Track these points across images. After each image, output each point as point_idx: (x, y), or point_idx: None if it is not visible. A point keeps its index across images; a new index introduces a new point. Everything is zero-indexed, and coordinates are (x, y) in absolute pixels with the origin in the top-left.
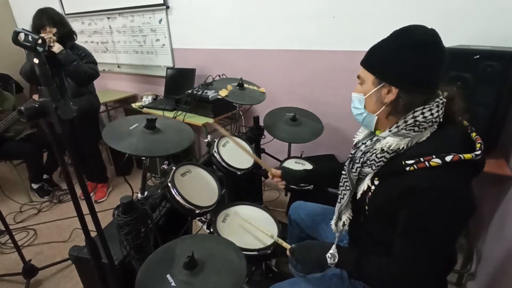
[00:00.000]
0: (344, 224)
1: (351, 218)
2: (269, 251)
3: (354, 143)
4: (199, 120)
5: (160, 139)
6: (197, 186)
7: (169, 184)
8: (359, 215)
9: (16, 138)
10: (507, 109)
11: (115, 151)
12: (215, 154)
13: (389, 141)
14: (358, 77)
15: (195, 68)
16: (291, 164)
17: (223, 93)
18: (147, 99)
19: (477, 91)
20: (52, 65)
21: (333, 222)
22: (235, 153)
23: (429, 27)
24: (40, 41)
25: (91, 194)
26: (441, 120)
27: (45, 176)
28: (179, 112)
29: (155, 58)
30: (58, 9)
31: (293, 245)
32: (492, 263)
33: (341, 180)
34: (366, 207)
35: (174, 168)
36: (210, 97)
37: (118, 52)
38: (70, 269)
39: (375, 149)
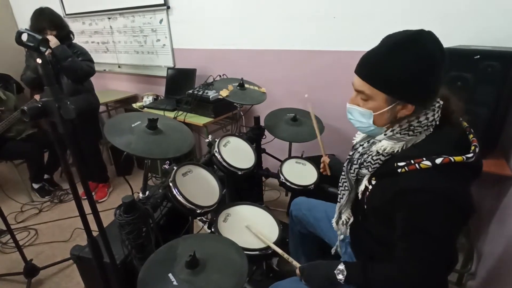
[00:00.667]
0: (344, 223)
1: (350, 217)
2: (270, 251)
3: (352, 145)
4: (200, 120)
5: (161, 141)
6: (198, 186)
7: (171, 184)
8: (358, 215)
9: (17, 138)
10: (507, 109)
11: (115, 151)
12: (216, 154)
13: (384, 144)
14: (359, 91)
15: (195, 68)
16: (292, 164)
17: (224, 93)
18: (147, 99)
19: (477, 91)
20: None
21: (334, 221)
22: (236, 153)
23: (430, 27)
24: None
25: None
26: (437, 123)
27: (46, 176)
28: (180, 112)
29: (156, 58)
30: (59, 9)
31: (302, 265)
32: (492, 263)
33: (340, 181)
34: (365, 207)
35: (175, 168)
36: (211, 97)
37: (119, 52)
38: (71, 268)
39: (371, 151)
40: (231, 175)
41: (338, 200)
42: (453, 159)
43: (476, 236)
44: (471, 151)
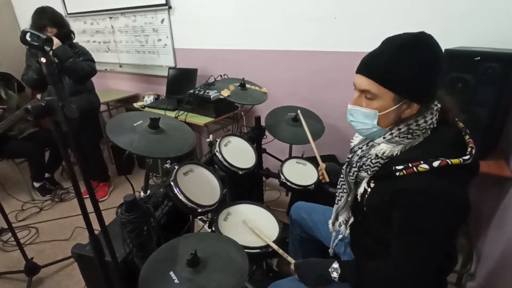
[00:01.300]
0: (340, 225)
1: (348, 219)
2: (270, 249)
3: (350, 148)
4: (201, 120)
5: (162, 140)
6: (199, 185)
7: (172, 183)
8: (358, 216)
9: (19, 137)
10: (507, 111)
11: (116, 150)
12: (217, 154)
13: (383, 147)
14: (364, 91)
15: (197, 68)
16: (293, 164)
17: (225, 93)
18: (149, 99)
19: (477, 92)
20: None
21: (330, 222)
22: (237, 153)
23: (430, 28)
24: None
25: None
26: (435, 125)
27: (46, 175)
28: (181, 112)
29: (157, 58)
30: (61, 8)
31: (296, 261)
32: (491, 264)
33: (338, 183)
34: (364, 209)
35: (176, 167)
36: (212, 97)
37: (120, 51)
38: (72, 267)
39: (370, 154)
40: (231, 175)
41: (336, 202)
42: (450, 161)
43: (476, 237)
44: (467, 152)
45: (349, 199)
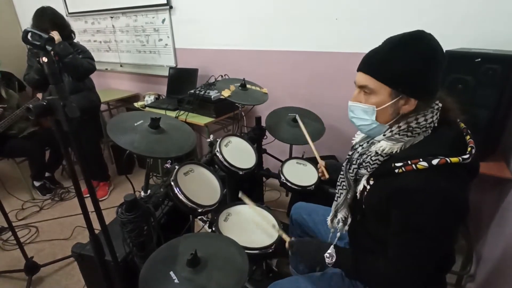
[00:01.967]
0: (339, 222)
1: (347, 216)
2: (270, 250)
3: (352, 146)
4: (201, 120)
5: (163, 140)
6: (199, 185)
7: (172, 183)
8: (357, 214)
9: (19, 136)
10: (508, 112)
11: (116, 150)
12: (217, 154)
13: (383, 145)
14: (362, 86)
15: (197, 68)
16: (293, 165)
17: (226, 93)
18: (149, 99)
19: (478, 94)
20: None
21: (329, 219)
22: (237, 153)
23: (431, 29)
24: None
25: None
26: (436, 124)
27: (47, 174)
28: (182, 112)
29: (158, 57)
30: (62, 8)
31: (292, 239)
32: (491, 265)
33: (338, 180)
34: (363, 206)
35: (177, 167)
36: (212, 97)
37: (121, 51)
38: (71, 266)
39: (370, 151)
40: (232, 175)
41: (335, 199)
42: (450, 160)
43: (476, 238)
44: (467, 152)
45: (348, 197)
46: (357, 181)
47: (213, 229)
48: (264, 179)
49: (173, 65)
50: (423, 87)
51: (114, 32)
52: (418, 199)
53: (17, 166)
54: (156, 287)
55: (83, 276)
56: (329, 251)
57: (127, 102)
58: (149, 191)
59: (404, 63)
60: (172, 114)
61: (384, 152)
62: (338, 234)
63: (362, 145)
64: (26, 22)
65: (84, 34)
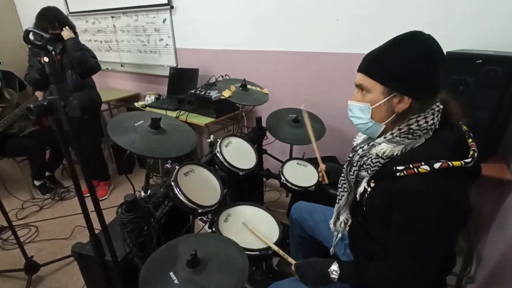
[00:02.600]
0: (342, 224)
1: (349, 218)
2: (270, 251)
3: (353, 147)
4: (201, 120)
5: (163, 140)
6: (199, 186)
7: (172, 183)
8: (358, 216)
9: (19, 135)
10: (509, 114)
11: (117, 150)
12: (218, 154)
13: (383, 147)
14: (358, 85)
15: (198, 68)
16: (293, 165)
17: (226, 93)
18: (150, 98)
19: (479, 95)
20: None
21: (331, 222)
22: (238, 154)
23: (432, 31)
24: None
25: None
26: (437, 127)
27: (47, 174)
28: (182, 112)
29: (159, 57)
30: (63, 7)
31: (297, 262)
32: (491, 267)
33: (339, 182)
34: (364, 208)
35: (177, 167)
36: (213, 97)
37: (122, 51)
38: (71, 266)
39: (371, 154)
40: (232, 175)
41: (337, 201)
42: (452, 164)
43: (476, 240)
44: (469, 155)
45: (349, 199)
46: (357, 183)
47: (213, 229)
48: (264, 179)
49: (174, 65)
50: (416, 85)
51: (115, 32)
52: (419, 202)
53: (17, 165)
54: (156, 287)
55: (82, 276)
56: (333, 266)
57: (128, 102)
58: (149, 191)
59: (395, 61)
60: (173, 114)
61: (384, 154)
62: (340, 235)
63: (363, 147)
64: (27, 21)
65: (85, 33)
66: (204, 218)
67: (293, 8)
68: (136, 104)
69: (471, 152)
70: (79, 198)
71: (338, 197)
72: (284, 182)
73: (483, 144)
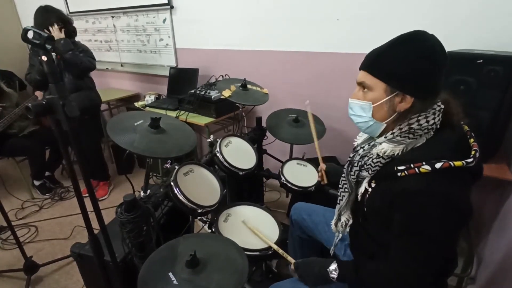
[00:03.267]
0: (343, 225)
1: (350, 219)
2: (270, 252)
3: (353, 147)
4: (201, 120)
5: (163, 140)
6: (199, 186)
7: (172, 183)
8: (358, 216)
9: (19, 135)
10: (510, 114)
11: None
12: (218, 154)
13: (384, 147)
14: (360, 83)
15: (198, 68)
16: (293, 166)
17: (226, 93)
18: (150, 98)
19: (480, 95)
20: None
21: (333, 222)
22: (237, 154)
23: (433, 31)
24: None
25: None
26: (438, 126)
27: (47, 173)
28: (182, 112)
29: (159, 57)
30: (63, 7)
31: (296, 261)
32: (492, 268)
33: (340, 183)
34: (365, 209)
35: (177, 167)
36: (213, 97)
37: (122, 51)
38: (71, 266)
39: (372, 153)
40: (232, 175)
41: (338, 201)
42: (453, 164)
43: (477, 241)
44: (471, 156)
45: (350, 199)
46: (358, 183)
47: (213, 229)
48: (264, 179)
49: (174, 65)
50: (418, 84)
51: (115, 32)
52: (420, 202)
53: (17, 165)
54: None
55: (82, 276)
56: (332, 266)
57: (128, 102)
58: (148, 191)
59: (398, 59)
60: (173, 114)
61: (385, 154)
62: (340, 235)
63: (364, 147)
64: (27, 20)
65: (85, 33)
66: (204, 218)
67: (293, 8)
68: (136, 104)
69: (473, 152)
70: (78, 198)
71: (339, 198)
72: (284, 182)
73: (483, 144)
